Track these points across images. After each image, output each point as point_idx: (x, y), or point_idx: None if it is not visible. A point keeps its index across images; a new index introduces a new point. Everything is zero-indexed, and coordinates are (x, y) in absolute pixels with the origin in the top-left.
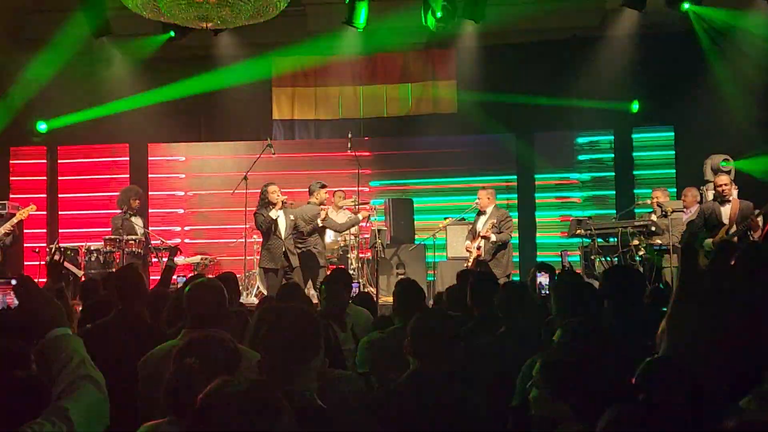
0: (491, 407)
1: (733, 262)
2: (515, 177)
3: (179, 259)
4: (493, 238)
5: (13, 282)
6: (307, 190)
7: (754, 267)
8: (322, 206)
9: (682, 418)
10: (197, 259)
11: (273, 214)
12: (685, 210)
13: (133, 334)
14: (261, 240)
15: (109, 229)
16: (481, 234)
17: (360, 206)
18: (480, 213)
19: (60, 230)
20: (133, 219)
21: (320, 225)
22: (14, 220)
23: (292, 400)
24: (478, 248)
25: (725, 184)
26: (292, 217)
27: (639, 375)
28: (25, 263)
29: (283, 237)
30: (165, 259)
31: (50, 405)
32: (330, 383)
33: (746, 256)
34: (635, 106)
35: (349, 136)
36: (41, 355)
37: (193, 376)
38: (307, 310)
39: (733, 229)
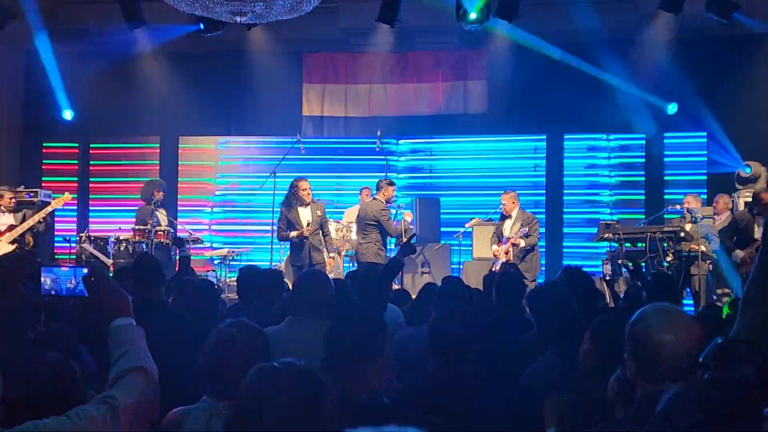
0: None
1: None
2: (544, 178)
3: (205, 252)
4: (522, 243)
5: (85, 271)
6: (375, 186)
7: None
8: (387, 203)
9: (749, 397)
10: (224, 252)
11: (293, 234)
12: (715, 217)
13: (157, 322)
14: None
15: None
16: (511, 241)
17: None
18: (505, 216)
19: (90, 220)
20: (158, 211)
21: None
22: (49, 208)
23: (359, 397)
24: (506, 253)
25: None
26: (319, 212)
27: (707, 353)
28: (56, 251)
29: (306, 234)
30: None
31: (101, 393)
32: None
33: None
34: (674, 108)
35: (379, 133)
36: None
37: (230, 347)
38: (373, 311)
39: None
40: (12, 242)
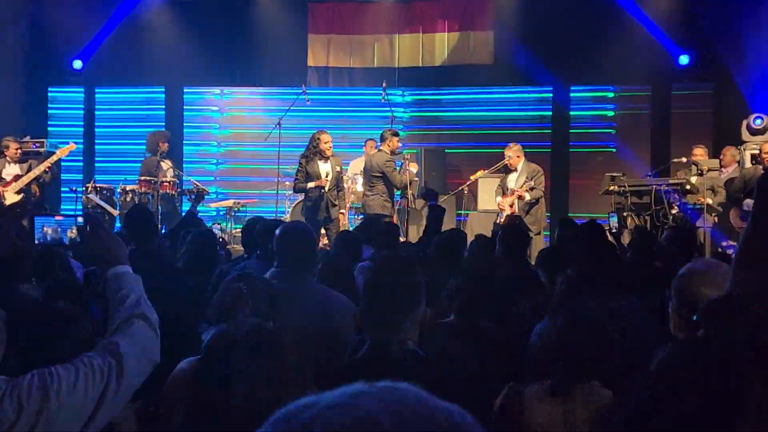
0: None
1: None
2: (550, 129)
3: (210, 203)
4: (527, 197)
5: (80, 220)
6: (379, 137)
7: None
8: (392, 155)
9: (742, 355)
10: (229, 203)
11: (310, 184)
12: (722, 169)
13: (151, 271)
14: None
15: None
16: (517, 193)
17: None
18: (509, 169)
19: (96, 170)
20: (162, 162)
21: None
22: (54, 157)
23: (393, 350)
24: (511, 205)
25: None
26: (338, 168)
27: (701, 312)
28: (62, 202)
29: (326, 189)
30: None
31: (103, 340)
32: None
33: None
34: (685, 59)
35: (384, 85)
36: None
37: (241, 299)
38: (411, 260)
39: None
40: (18, 192)
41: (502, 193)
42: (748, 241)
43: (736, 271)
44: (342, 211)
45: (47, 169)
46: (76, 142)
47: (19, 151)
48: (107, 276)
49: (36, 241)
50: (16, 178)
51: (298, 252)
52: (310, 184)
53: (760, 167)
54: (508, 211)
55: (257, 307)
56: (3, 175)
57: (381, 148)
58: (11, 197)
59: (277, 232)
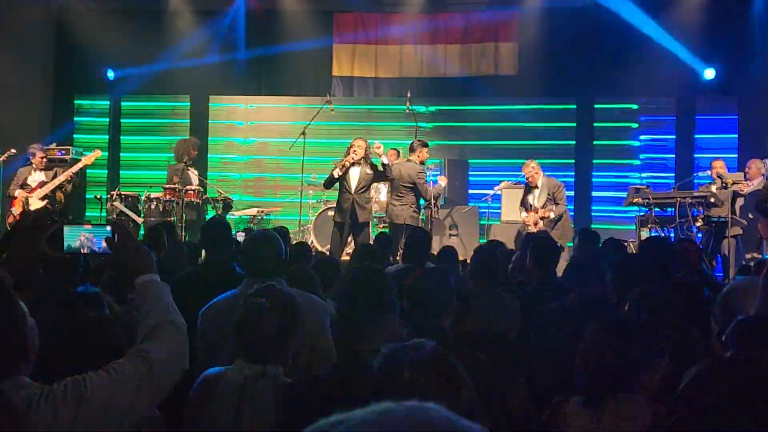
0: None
1: None
2: (574, 141)
3: (234, 212)
4: (552, 215)
5: (108, 229)
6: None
7: None
8: (422, 165)
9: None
10: (253, 212)
11: (336, 172)
12: (747, 182)
13: (221, 283)
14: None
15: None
16: (540, 215)
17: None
18: (531, 186)
19: (121, 178)
20: (189, 170)
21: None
22: (79, 164)
23: (366, 355)
24: (536, 224)
25: None
26: (368, 171)
27: (729, 332)
28: (87, 210)
29: (352, 191)
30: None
31: (134, 347)
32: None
33: None
34: (712, 73)
35: (408, 95)
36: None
37: (263, 315)
38: (379, 270)
39: None
40: (42, 198)
41: (525, 209)
42: None
43: (764, 291)
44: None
45: (70, 178)
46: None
47: (45, 158)
48: (136, 284)
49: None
50: (42, 184)
51: (262, 258)
52: (335, 171)
53: None
54: (533, 229)
55: (281, 322)
56: (28, 182)
57: (411, 158)
58: (35, 203)
59: (246, 239)
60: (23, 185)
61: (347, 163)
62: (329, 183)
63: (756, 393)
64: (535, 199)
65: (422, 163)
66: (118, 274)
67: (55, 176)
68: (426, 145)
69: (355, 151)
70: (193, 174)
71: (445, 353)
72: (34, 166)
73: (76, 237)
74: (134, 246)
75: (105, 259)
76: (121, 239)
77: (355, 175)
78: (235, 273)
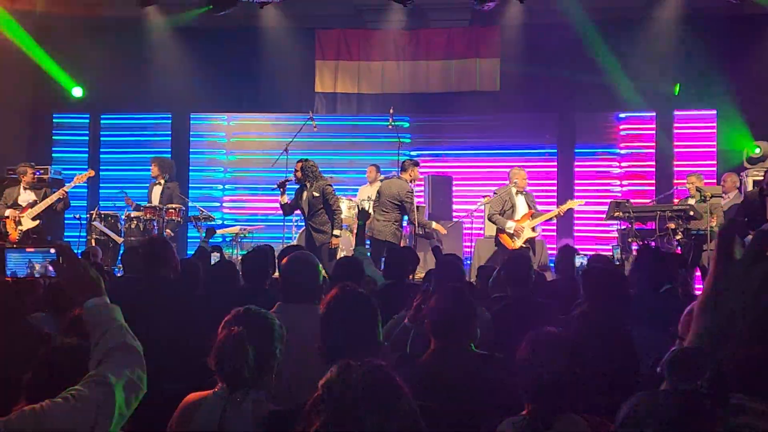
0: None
1: None
2: (555, 154)
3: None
4: (538, 232)
5: (52, 251)
6: (400, 166)
7: None
8: (411, 183)
9: (705, 406)
10: (236, 230)
11: (283, 199)
12: (723, 195)
13: (163, 302)
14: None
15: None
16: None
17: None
18: (518, 192)
19: (101, 197)
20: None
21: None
22: (72, 183)
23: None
24: (533, 228)
25: None
26: (316, 194)
27: (665, 363)
28: (66, 229)
29: (305, 215)
30: (203, 227)
31: (89, 372)
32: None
33: None
34: (677, 89)
35: (391, 111)
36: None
37: (241, 345)
38: (367, 295)
39: None
40: (34, 218)
41: (512, 215)
42: (709, 290)
43: (698, 320)
44: (336, 233)
45: (60, 197)
46: (82, 169)
47: (35, 177)
48: (85, 308)
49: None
50: (32, 204)
51: (300, 283)
52: (282, 199)
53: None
54: (531, 235)
55: (259, 349)
56: (19, 201)
57: (401, 176)
58: (28, 223)
59: (284, 262)
60: (13, 205)
61: (280, 186)
62: (283, 211)
63: (691, 427)
64: (523, 206)
65: (413, 181)
66: (57, 295)
67: (45, 196)
68: (417, 164)
69: (296, 173)
70: (155, 194)
71: (384, 367)
72: (23, 185)
73: (23, 262)
74: (81, 268)
75: (52, 283)
76: (67, 262)
77: (305, 201)
78: (180, 293)
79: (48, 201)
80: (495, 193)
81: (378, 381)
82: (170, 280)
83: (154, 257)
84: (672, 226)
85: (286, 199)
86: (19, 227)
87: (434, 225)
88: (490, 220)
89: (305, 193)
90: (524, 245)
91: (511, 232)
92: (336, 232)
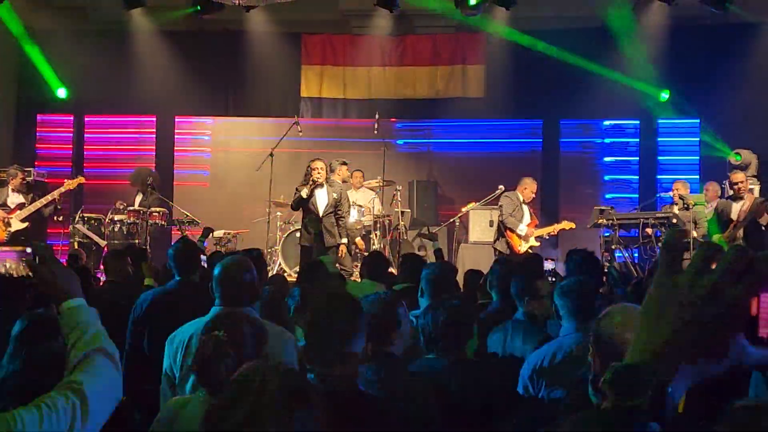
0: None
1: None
2: (540, 159)
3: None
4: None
5: (28, 250)
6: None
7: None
8: (344, 183)
9: (647, 423)
10: (220, 233)
11: (304, 192)
12: (706, 204)
13: (192, 305)
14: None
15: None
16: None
17: (385, 186)
18: (526, 203)
19: (84, 199)
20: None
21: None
22: (62, 189)
23: (331, 383)
24: (536, 238)
25: (741, 182)
26: (335, 195)
27: (605, 380)
28: (49, 231)
29: (320, 214)
30: (187, 233)
31: (64, 379)
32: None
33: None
34: (664, 95)
35: (377, 116)
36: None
37: (221, 349)
38: (354, 298)
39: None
40: (23, 220)
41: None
42: (647, 305)
43: (640, 334)
44: (343, 241)
45: (54, 200)
46: (65, 170)
47: (24, 180)
48: (61, 310)
49: None
50: (21, 206)
51: (235, 286)
52: (303, 191)
53: (729, 199)
54: (534, 244)
55: (242, 353)
56: (8, 203)
57: (331, 177)
58: (17, 224)
59: (217, 267)
60: (2, 206)
61: (312, 184)
62: (297, 204)
63: None
64: (528, 215)
65: (344, 181)
66: (39, 297)
67: (33, 199)
68: (345, 164)
69: (318, 172)
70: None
71: (296, 371)
72: (11, 187)
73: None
74: (58, 269)
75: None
76: (44, 262)
77: (322, 199)
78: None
79: (38, 204)
80: (506, 196)
81: (288, 385)
82: (203, 285)
83: (188, 260)
84: (649, 231)
85: (306, 193)
86: (8, 228)
87: (357, 240)
88: (502, 221)
89: (322, 193)
90: (529, 250)
91: (522, 234)
92: (343, 240)
